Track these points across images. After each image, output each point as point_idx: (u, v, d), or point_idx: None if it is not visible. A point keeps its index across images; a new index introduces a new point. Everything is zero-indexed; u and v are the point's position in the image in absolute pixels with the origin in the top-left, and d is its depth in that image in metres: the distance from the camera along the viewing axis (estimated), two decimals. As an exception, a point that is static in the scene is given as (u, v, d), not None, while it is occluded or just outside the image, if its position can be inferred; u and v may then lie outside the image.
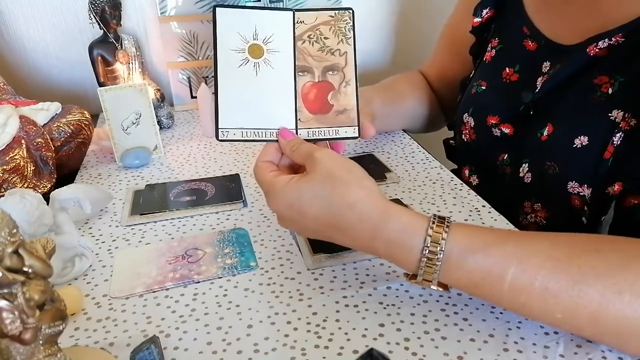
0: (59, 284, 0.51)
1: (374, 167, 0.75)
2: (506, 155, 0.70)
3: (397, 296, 0.48)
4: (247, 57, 0.50)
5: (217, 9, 0.50)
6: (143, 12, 1.02)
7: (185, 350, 0.43)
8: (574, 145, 0.59)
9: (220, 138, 0.50)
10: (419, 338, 0.44)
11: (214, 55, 0.50)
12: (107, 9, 0.91)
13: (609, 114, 0.57)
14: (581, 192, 0.60)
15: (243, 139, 0.51)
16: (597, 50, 0.59)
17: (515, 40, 0.71)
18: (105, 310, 0.48)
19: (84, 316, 0.47)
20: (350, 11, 0.52)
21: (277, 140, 0.51)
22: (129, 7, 1.01)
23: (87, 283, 0.51)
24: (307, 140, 0.51)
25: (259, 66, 0.51)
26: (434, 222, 0.43)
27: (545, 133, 0.63)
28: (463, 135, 0.77)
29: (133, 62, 0.95)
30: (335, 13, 0.52)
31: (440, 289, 0.44)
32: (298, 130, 0.51)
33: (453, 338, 0.44)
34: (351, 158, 0.78)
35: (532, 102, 0.66)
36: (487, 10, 0.76)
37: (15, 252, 0.29)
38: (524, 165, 0.66)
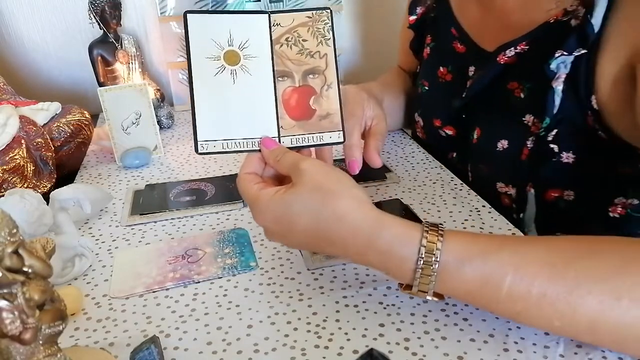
0: (59, 284, 0.51)
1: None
2: (455, 154, 0.74)
3: (397, 296, 0.48)
4: (223, 64, 0.48)
5: (188, 15, 0.47)
6: (143, 12, 1.02)
7: (185, 350, 0.43)
8: (497, 149, 0.63)
9: (200, 152, 0.48)
10: (419, 338, 0.43)
11: (187, 65, 0.47)
12: (107, 9, 0.91)
13: (523, 119, 0.60)
14: (508, 191, 0.64)
15: (224, 150, 0.48)
16: (506, 58, 0.62)
17: (445, 40, 0.74)
18: (105, 310, 0.48)
19: (84, 316, 0.47)
20: (328, 11, 0.50)
21: (259, 150, 0.49)
22: (129, 7, 1.01)
23: (87, 283, 0.51)
24: (291, 148, 0.49)
25: (236, 73, 0.48)
26: (427, 231, 0.41)
27: (475, 136, 0.67)
28: (417, 133, 0.82)
29: (133, 62, 0.95)
30: (312, 14, 0.50)
31: (436, 299, 0.43)
32: (281, 138, 0.49)
33: (453, 338, 0.43)
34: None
35: (463, 106, 0.69)
36: (420, 7, 0.80)
37: (15, 252, 0.29)
38: (469, 164, 0.71)
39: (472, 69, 0.69)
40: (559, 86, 0.55)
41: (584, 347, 0.42)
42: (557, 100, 0.56)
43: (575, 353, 0.42)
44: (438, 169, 0.74)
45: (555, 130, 0.57)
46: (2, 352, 0.31)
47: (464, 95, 0.68)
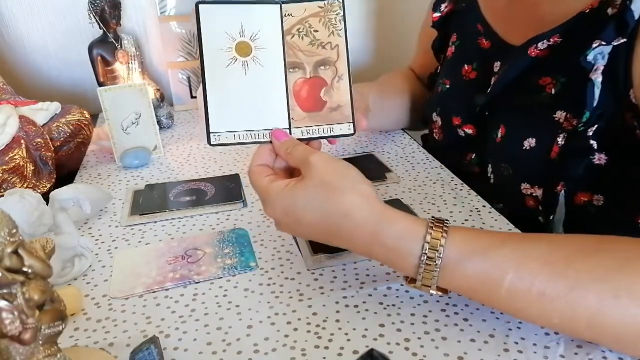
0: (58, 284, 0.50)
1: (374, 167, 0.75)
2: (474, 155, 0.71)
3: (397, 296, 0.48)
4: (235, 55, 0.48)
5: (200, 5, 0.47)
6: (143, 12, 1.02)
7: (185, 351, 0.43)
8: (524, 147, 0.60)
9: (212, 143, 0.48)
10: (419, 338, 0.43)
11: (200, 56, 0.48)
12: (106, 8, 0.91)
13: (554, 115, 0.58)
14: (533, 192, 0.61)
15: (236, 142, 0.49)
16: (537, 51, 0.59)
17: (471, 37, 0.72)
18: (105, 311, 0.47)
19: (84, 316, 0.47)
20: (340, 0, 0.49)
21: (270, 142, 0.49)
22: (129, 7, 1.01)
23: (87, 283, 0.51)
24: (302, 140, 0.49)
25: (248, 65, 0.48)
26: (431, 227, 0.42)
27: (499, 135, 0.64)
28: (434, 134, 0.79)
29: (133, 61, 0.95)
30: (324, 3, 0.49)
31: (440, 294, 0.43)
32: (291, 129, 0.49)
33: (453, 338, 0.43)
34: (351, 158, 0.78)
35: (486, 104, 0.67)
36: (446, 4, 0.78)
37: (15, 252, 0.29)
38: (489, 165, 0.68)
39: (497, 64, 0.67)
40: (597, 78, 0.53)
41: (584, 347, 0.42)
42: (597, 93, 0.53)
43: (576, 353, 0.41)
44: (438, 169, 0.74)
45: (595, 126, 0.54)
46: (2, 352, 0.30)
47: (488, 91, 0.66)
